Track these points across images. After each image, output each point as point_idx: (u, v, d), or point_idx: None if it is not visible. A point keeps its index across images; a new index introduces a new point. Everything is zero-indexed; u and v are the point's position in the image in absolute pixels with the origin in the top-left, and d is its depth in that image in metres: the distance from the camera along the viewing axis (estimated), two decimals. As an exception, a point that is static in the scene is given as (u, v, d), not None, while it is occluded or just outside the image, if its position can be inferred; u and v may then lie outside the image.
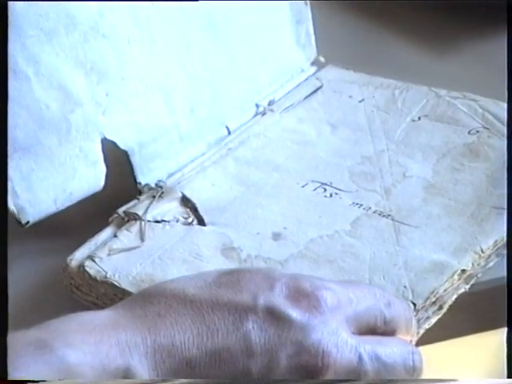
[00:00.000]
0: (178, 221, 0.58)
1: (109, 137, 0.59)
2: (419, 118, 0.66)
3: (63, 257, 0.55)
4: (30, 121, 0.55)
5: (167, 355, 0.39)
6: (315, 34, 0.71)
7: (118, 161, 0.60)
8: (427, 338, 0.50)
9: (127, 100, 0.59)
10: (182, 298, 0.41)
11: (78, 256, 0.55)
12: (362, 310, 0.44)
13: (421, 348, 0.49)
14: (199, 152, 0.64)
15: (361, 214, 0.57)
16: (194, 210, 0.59)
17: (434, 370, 0.54)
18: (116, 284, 0.52)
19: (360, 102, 0.68)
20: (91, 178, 0.58)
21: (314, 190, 0.60)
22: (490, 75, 0.67)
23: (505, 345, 0.48)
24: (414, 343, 0.47)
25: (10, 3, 0.51)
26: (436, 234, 0.55)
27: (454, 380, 0.47)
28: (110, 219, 0.58)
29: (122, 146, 0.59)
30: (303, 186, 0.60)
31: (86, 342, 0.38)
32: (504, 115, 0.63)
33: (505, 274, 0.52)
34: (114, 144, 0.59)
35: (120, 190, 0.60)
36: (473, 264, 0.53)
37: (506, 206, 0.55)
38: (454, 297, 0.52)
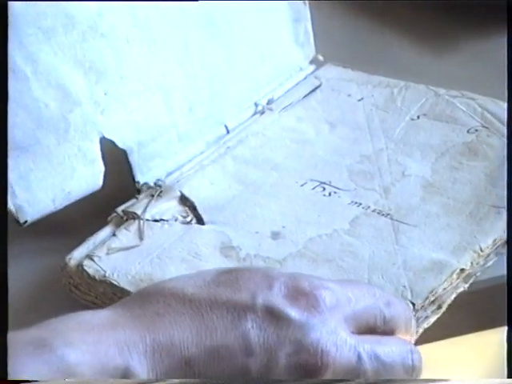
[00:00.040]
0: (176, 220, 0.57)
1: (107, 136, 0.58)
2: (418, 117, 0.66)
3: (62, 256, 0.55)
4: (29, 120, 0.55)
5: (166, 354, 0.39)
6: (314, 33, 0.71)
7: (116, 160, 0.60)
8: (426, 338, 0.50)
9: (126, 99, 0.59)
10: (180, 297, 0.41)
11: (76, 255, 0.55)
12: (361, 309, 0.43)
13: (420, 347, 0.49)
14: (198, 151, 0.64)
15: (360, 212, 0.57)
16: (193, 208, 0.58)
17: (433, 370, 0.54)
18: (115, 283, 0.52)
19: (359, 100, 0.68)
20: (90, 177, 0.58)
21: (313, 188, 0.59)
22: (489, 74, 0.67)
23: (505, 344, 0.48)
24: (413, 342, 0.47)
25: (9, 3, 0.51)
26: (435, 233, 0.54)
27: (445, 380, 0.47)
28: (109, 218, 0.58)
29: (120, 145, 0.59)
30: (302, 185, 0.60)
31: (84, 341, 0.38)
32: (503, 114, 0.63)
33: (504, 272, 0.52)
34: (113, 143, 0.59)
35: (119, 189, 0.60)
36: (472, 263, 0.53)
37: (505, 205, 0.55)
38: (453, 296, 0.52)
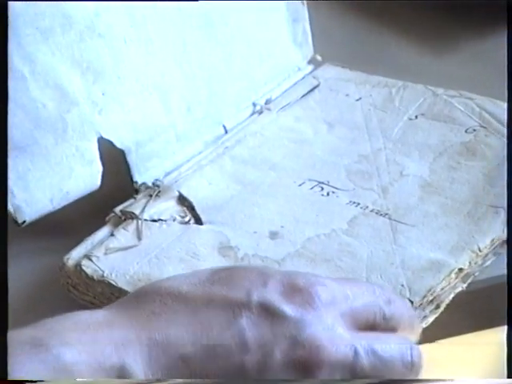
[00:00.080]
0: (174, 220, 0.57)
1: (105, 136, 0.58)
2: (416, 117, 0.66)
3: (60, 256, 0.55)
4: (26, 120, 0.55)
5: (162, 352, 0.39)
6: (312, 33, 0.71)
7: (114, 160, 0.60)
8: (424, 337, 0.50)
9: (123, 99, 0.59)
10: (176, 296, 0.41)
11: (74, 255, 0.55)
12: (359, 306, 0.43)
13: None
14: (196, 151, 0.64)
15: (358, 212, 0.57)
16: (191, 208, 0.58)
17: (432, 369, 0.54)
18: (113, 283, 0.52)
19: (357, 100, 0.68)
20: (88, 177, 0.58)
21: (311, 188, 0.59)
22: (489, 74, 0.67)
23: (505, 344, 0.48)
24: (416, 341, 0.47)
25: (9, 3, 0.51)
26: (433, 232, 0.54)
27: (450, 380, 0.47)
28: (107, 218, 0.58)
29: (118, 145, 0.59)
30: (300, 185, 0.60)
31: (80, 340, 0.38)
32: (501, 114, 0.63)
33: (502, 272, 0.51)
34: (111, 143, 0.59)
35: (117, 189, 0.60)
36: (470, 263, 0.53)
37: (504, 205, 0.55)
38: (452, 295, 0.52)
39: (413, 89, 0.68)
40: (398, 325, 0.45)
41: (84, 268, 0.53)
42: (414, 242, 0.54)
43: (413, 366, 0.44)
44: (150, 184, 0.60)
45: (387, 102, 0.68)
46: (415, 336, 0.46)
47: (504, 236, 0.54)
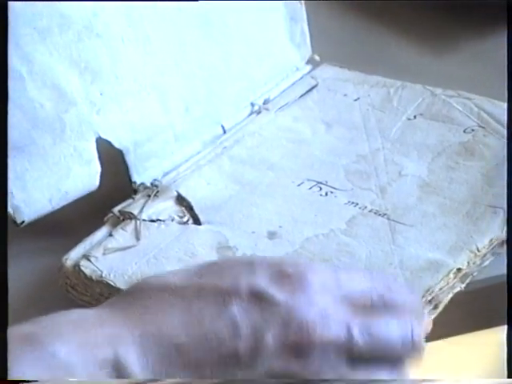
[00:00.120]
0: (173, 220, 0.57)
1: (103, 136, 0.58)
2: (415, 117, 0.65)
3: (58, 256, 0.55)
4: (24, 120, 0.55)
5: (155, 343, 0.39)
6: (310, 33, 0.71)
7: (112, 160, 0.60)
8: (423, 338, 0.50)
9: (122, 99, 0.59)
10: (167, 290, 0.41)
11: (73, 255, 0.55)
12: (354, 291, 0.43)
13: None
14: (194, 151, 0.64)
15: (356, 212, 0.57)
16: (190, 208, 0.58)
17: (432, 370, 0.54)
18: (111, 284, 0.52)
19: (355, 100, 0.68)
20: (86, 177, 0.58)
21: (310, 188, 0.59)
22: (489, 74, 0.67)
23: (505, 344, 0.47)
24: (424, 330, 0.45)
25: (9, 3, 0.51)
26: (431, 232, 0.54)
27: (450, 380, 0.47)
28: (106, 218, 0.58)
29: (116, 145, 0.59)
30: (299, 185, 0.60)
31: (74, 337, 0.39)
32: (499, 114, 0.63)
33: (501, 272, 0.51)
34: (109, 143, 0.59)
35: (115, 190, 0.60)
36: (468, 263, 0.52)
37: (502, 205, 0.55)
38: (450, 296, 0.52)
39: (411, 89, 0.68)
40: (399, 311, 0.44)
41: (82, 268, 0.53)
42: (412, 242, 0.54)
43: (413, 345, 0.43)
44: (148, 184, 0.60)
45: (385, 102, 0.68)
46: (420, 323, 0.45)
47: (503, 236, 0.54)
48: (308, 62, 0.72)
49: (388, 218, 0.56)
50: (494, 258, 0.54)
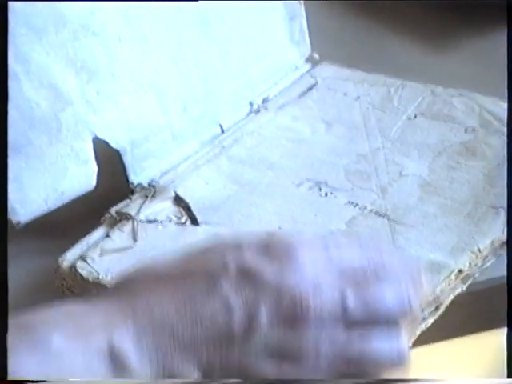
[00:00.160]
0: (170, 221, 0.57)
1: (100, 136, 0.58)
2: (415, 116, 0.65)
3: (54, 257, 0.54)
4: (20, 120, 0.54)
5: (149, 328, 0.39)
6: (309, 31, 0.71)
7: (109, 160, 0.59)
8: (424, 339, 0.50)
9: (118, 98, 0.59)
10: (156, 277, 0.41)
11: (69, 257, 0.54)
12: (344, 259, 0.42)
13: (418, 349, 0.49)
14: (192, 151, 0.63)
15: (356, 213, 0.56)
16: (187, 209, 0.58)
17: (432, 370, 0.54)
18: (108, 285, 0.51)
19: (355, 99, 0.68)
20: (83, 177, 0.58)
21: (309, 189, 0.59)
22: (490, 72, 0.67)
23: (505, 345, 0.47)
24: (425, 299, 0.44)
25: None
26: (432, 233, 0.54)
27: (444, 380, 0.46)
28: (102, 219, 0.57)
29: (113, 145, 0.59)
30: (298, 185, 0.59)
31: (69, 325, 0.38)
32: (501, 113, 0.63)
33: (502, 273, 0.51)
34: (106, 143, 0.59)
35: (112, 190, 0.59)
36: (470, 264, 0.52)
37: (504, 206, 0.55)
38: (451, 297, 0.51)
39: (412, 88, 0.68)
40: (392, 276, 0.42)
41: (79, 270, 0.53)
42: (413, 242, 0.54)
43: (411, 310, 0.42)
44: (145, 184, 0.60)
45: (386, 101, 0.67)
46: (417, 288, 0.43)
47: (504, 237, 0.54)
48: (307, 61, 0.72)
49: (388, 219, 0.56)
50: (495, 260, 0.54)
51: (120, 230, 0.56)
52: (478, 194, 0.57)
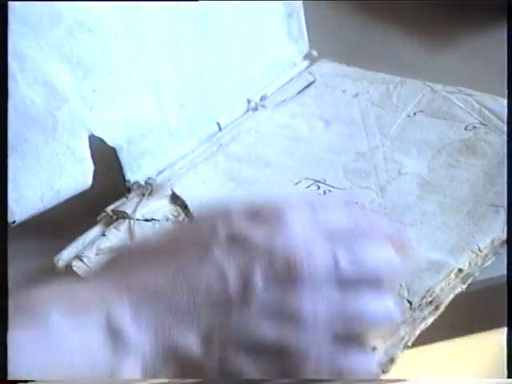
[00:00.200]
0: (167, 219, 0.57)
1: (96, 133, 0.58)
2: (415, 114, 0.65)
3: (50, 256, 0.54)
4: (16, 118, 0.54)
5: (145, 300, 0.39)
6: (308, 28, 0.70)
7: (106, 158, 0.59)
8: (424, 339, 0.50)
9: (115, 96, 0.58)
10: (147, 250, 0.41)
11: (65, 256, 0.54)
12: (332, 222, 0.42)
13: (418, 349, 0.49)
14: (189, 148, 0.63)
15: (355, 211, 0.56)
16: (185, 207, 0.58)
17: (432, 370, 0.54)
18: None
19: (354, 96, 0.68)
20: (79, 175, 0.58)
21: (308, 187, 0.59)
22: (489, 70, 0.66)
23: (505, 345, 0.47)
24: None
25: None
26: (432, 232, 0.54)
27: (440, 380, 0.46)
28: (99, 218, 0.57)
29: (109, 142, 0.59)
30: (296, 183, 0.59)
31: (66, 303, 0.38)
32: (501, 110, 0.62)
33: (503, 272, 0.51)
34: (102, 141, 0.58)
35: (108, 188, 0.59)
36: (470, 263, 0.52)
37: (504, 204, 0.54)
38: (451, 296, 0.51)
39: (411, 85, 0.68)
40: (379, 237, 0.43)
41: (75, 269, 0.53)
42: (412, 241, 0.53)
43: (398, 268, 0.42)
44: (142, 183, 0.60)
45: (385, 99, 0.67)
46: (405, 253, 0.44)
47: (504, 236, 0.53)
48: (305, 58, 0.72)
49: (388, 218, 0.55)
50: (495, 259, 0.54)
51: (116, 228, 0.56)
52: (477, 192, 0.56)
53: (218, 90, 0.65)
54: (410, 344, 0.48)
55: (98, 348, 0.37)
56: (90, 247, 0.54)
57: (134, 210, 0.57)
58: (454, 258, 0.52)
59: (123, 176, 0.60)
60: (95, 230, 0.56)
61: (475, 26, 0.76)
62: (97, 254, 0.54)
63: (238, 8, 0.65)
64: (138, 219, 0.56)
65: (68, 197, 0.58)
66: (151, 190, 0.59)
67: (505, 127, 0.61)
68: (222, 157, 0.62)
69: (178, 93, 0.62)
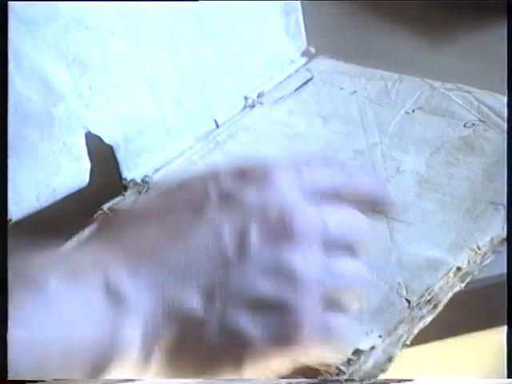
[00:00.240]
0: (165, 217, 0.56)
1: (93, 131, 0.58)
2: (413, 111, 0.65)
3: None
4: (12, 116, 0.54)
5: (142, 261, 0.39)
6: (305, 24, 0.70)
7: (102, 155, 0.59)
8: (422, 338, 0.49)
9: (112, 93, 0.58)
10: (139, 213, 0.42)
11: (61, 254, 0.54)
12: (316, 181, 0.42)
13: (416, 348, 0.49)
14: (187, 146, 0.63)
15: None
16: (182, 205, 0.57)
17: (432, 370, 0.53)
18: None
19: (352, 93, 0.68)
20: (75, 173, 0.58)
21: (305, 184, 0.58)
22: (488, 67, 0.66)
23: (505, 344, 0.47)
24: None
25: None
26: (430, 230, 0.54)
27: (440, 380, 0.46)
28: (95, 216, 0.57)
29: (106, 140, 0.59)
30: (294, 181, 0.59)
31: (64, 267, 0.38)
32: (500, 108, 0.62)
33: (502, 271, 0.51)
34: (99, 138, 0.58)
35: (105, 186, 0.59)
36: (469, 261, 0.52)
37: (503, 202, 0.54)
38: (450, 295, 0.51)
39: (409, 82, 0.67)
40: (363, 196, 0.44)
41: (71, 267, 0.52)
42: (411, 240, 0.53)
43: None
44: (139, 180, 0.60)
45: (383, 96, 0.67)
46: (390, 208, 0.45)
47: (503, 234, 0.53)
48: (303, 55, 0.72)
49: (386, 216, 0.55)
50: (494, 257, 0.53)
51: (113, 226, 0.56)
52: (476, 190, 0.56)
53: (215, 87, 0.65)
54: (408, 343, 0.48)
55: (99, 310, 0.37)
56: (87, 245, 0.54)
57: (131, 208, 0.57)
58: (453, 257, 0.51)
59: (120, 174, 0.59)
60: (91, 228, 0.56)
61: (474, 22, 0.76)
62: (93, 253, 0.53)
63: (236, 4, 0.65)
64: (134, 217, 0.56)
65: (64, 195, 0.58)
66: (148, 188, 0.59)
67: (504, 124, 0.61)
68: (219, 154, 0.62)
69: (175, 90, 0.62)
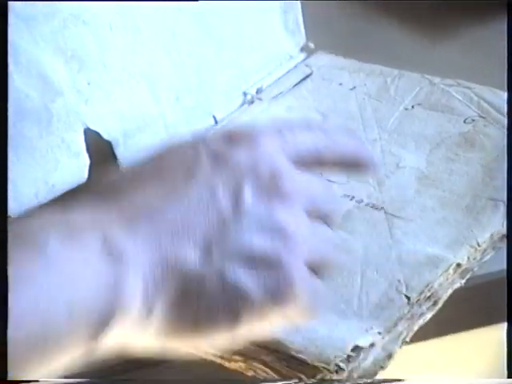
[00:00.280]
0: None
1: (92, 127, 0.58)
2: (412, 107, 0.64)
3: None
4: (10, 112, 0.53)
5: (139, 219, 0.39)
6: (304, 20, 0.70)
7: (101, 151, 0.59)
8: (422, 335, 0.49)
9: (110, 88, 0.58)
10: (133, 176, 0.42)
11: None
12: (300, 143, 0.43)
13: (415, 345, 0.49)
14: (185, 142, 0.63)
15: (353, 206, 0.56)
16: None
17: (431, 369, 0.53)
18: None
19: (351, 89, 0.67)
20: (74, 169, 0.57)
21: (304, 181, 0.58)
22: (489, 62, 0.66)
23: (505, 342, 0.47)
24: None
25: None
26: (430, 226, 0.54)
27: (439, 379, 0.46)
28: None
29: (105, 136, 0.58)
30: (293, 177, 0.59)
31: (62, 228, 0.38)
32: (500, 103, 0.62)
33: (502, 267, 0.51)
34: (98, 134, 0.58)
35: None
36: (468, 258, 0.52)
37: (503, 198, 0.54)
38: (449, 292, 0.51)
39: (409, 78, 0.67)
40: (347, 158, 0.45)
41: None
42: (410, 236, 0.53)
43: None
44: (138, 177, 0.59)
45: (382, 92, 0.66)
46: (373, 168, 0.46)
47: (503, 230, 0.53)
48: (302, 50, 0.71)
49: (385, 212, 0.55)
50: (494, 253, 0.53)
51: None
52: (476, 186, 0.56)
53: (213, 83, 0.65)
54: (408, 340, 0.48)
55: (99, 269, 0.37)
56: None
57: (130, 205, 0.56)
58: (453, 253, 0.51)
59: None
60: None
61: (474, 17, 0.76)
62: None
63: (235, 1, 0.65)
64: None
65: (63, 191, 0.57)
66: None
67: (504, 120, 0.61)
68: (218, 150, 0.62)
69: (173, 85, 0.62)
